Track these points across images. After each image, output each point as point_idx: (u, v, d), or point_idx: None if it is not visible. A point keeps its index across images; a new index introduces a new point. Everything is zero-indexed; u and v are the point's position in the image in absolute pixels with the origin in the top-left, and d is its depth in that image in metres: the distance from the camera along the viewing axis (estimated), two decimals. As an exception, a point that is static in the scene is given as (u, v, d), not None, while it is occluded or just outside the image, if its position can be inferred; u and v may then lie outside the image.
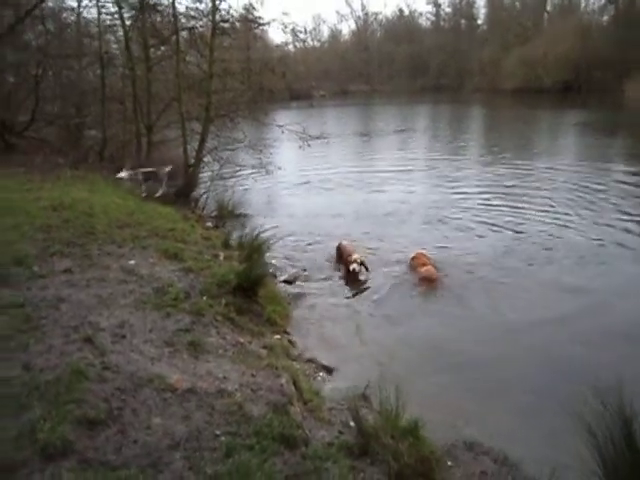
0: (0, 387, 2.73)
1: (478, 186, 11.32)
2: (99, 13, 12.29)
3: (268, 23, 10.39)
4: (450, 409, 3.72)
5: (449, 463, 3.07)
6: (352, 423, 3.42)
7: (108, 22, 12.59)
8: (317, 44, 63.40)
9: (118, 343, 3.47)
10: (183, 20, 10.27)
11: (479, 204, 9.66)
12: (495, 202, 9.75)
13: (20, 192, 7.62)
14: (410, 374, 4.12)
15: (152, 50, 11.48)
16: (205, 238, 7.12)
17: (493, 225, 8.31)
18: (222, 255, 6.31)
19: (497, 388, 4.03)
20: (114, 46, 14.16)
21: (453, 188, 11.17)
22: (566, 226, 8.09)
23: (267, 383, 3.34)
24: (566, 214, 8.72)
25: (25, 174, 9.27)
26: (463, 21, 58.44)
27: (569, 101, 32.77)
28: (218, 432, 2.69)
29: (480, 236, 7.84)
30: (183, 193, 9.83)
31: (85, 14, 13.48)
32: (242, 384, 3.26)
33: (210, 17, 9.65)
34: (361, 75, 58.16)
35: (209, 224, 8.42)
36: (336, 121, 28.85)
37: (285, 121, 11.49)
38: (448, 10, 58.88)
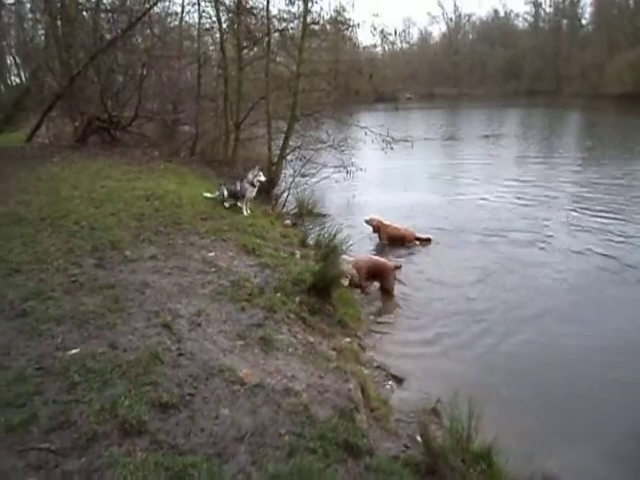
0: (89, 361, 2.93)
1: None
2: (199, 17, 13.05)
3: (358, 25, 10.36)
4: (528, 436, 3.43)
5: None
6: (419, 438, 3.29)
7: (207, 26, 13.32)
8: (406, 46, 62.55)
9: (194, 331, 3.59)
10: (275, 22, 10.54)
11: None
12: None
13: (120, 181, 8.25)
14: (485, 393, 3.85)
15: (244, 51, 11.94)
16: (283, 235, 7.23)
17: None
18: (299, 253, 6.36)
19: (585, 419, 3.66)
20: (210, 48, 14.98)
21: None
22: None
23: (335, 386, 3.28)
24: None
25: (126, 165, 10.02)
26: (565, 21, 54.68)
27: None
28: (283, 431, 2.68)
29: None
30: (264, 189, 10.08)
31: (187, 18, 14.39)
32: (309, 385, 3.23)
33: (301, 19, 9.80)
34: (449, 78, 56.45)
35: (288, 222, 8.55)
36: (421, 124, 28.19)
37: (369, 123, 11.41)
38: (549, 10, 55.43)
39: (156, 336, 3.37)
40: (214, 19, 12.10)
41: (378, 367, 4.23)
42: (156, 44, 14.12)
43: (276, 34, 10.84)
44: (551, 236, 7.90)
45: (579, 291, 5.86)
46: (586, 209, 9.44)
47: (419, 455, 2.92)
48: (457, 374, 4.22)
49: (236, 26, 11.56)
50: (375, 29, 10.57)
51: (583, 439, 3.54)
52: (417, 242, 7.86)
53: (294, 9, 10.29)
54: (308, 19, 9.77)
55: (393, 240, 7.88)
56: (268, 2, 10.29)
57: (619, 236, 7.75)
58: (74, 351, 3.06)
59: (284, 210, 9.54)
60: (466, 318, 5.21)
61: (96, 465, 2.22)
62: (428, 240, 7.87)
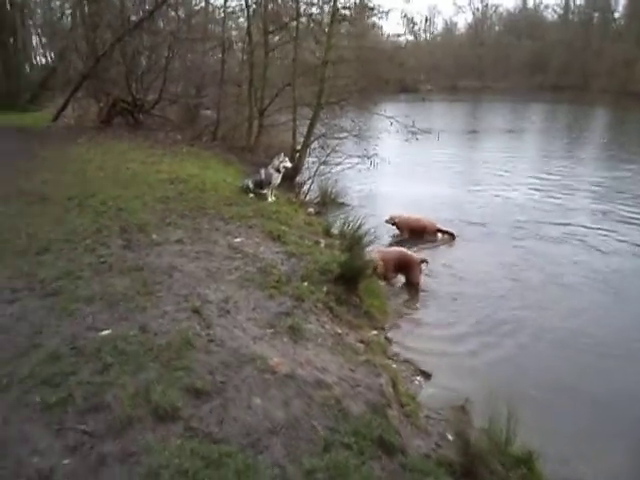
0: (120, 343, 2.90)
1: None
2: (225, 1, 12.92)
3: (388, 12, 10.12)
4: (562, 440, 3.32)
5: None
6: (450, 436, 3.21)
7: (232, 9, 13.20)
8: (430, 37, 61.43)
9: (223, 317, 3.55)
10: (304, 6, 10.36)
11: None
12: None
13: (144, 164, 8.24)
14: (514, 393, 3.74)
15: (271, 36, 11.78)
16: (307, 223, 7.14)
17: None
18: (323, 242, 6.27)
19: (619, 424, 3.54)
20: (234, 32, 14.85)
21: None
22: None
23: (366, 381, 3.21)
24: None
25: (149, 148, 10.02)
26: (596, 14, 53.09)
27: None
28: (316, 424, 2.62)
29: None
30: (288, 177, 9.99)
31: (212, 1, 14.24)
32: (341, 378, 3.16)
33: (331, 3, 9.61)
34: (473, 70, 55.34)
35: (311, 210, 8.46)
36: (444, 117, 27.72)
37: (393, 113, 11.20)
38: (580, 2, 53.84)
39: (186, 321, 3.33)
40: (241, 2, 11.99)
41: (406, 361, 4.14)
42: (181, 27, 14.07)
43: (304, 19, 10.66)
44: (581, 233, 7.70)
45: (612, 291, 5.69)
46: (614, 206, 9.21)
47: (453, 455, 2.84)
48: (485, 373, 4.11)
49: (263, 9, 11.42)
50: (405, 17, 10.26)
51: (619, 444, 3.42)
52: (439, 234, 7.70)
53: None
54: (338, 3, 9.57)
55: (414, 232, 7.67)
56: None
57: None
58: (105, 332, 3.04)
59: (307, 198, 9.45)
60: (493, 316, 5.07)
61: (131, 450, 2.19)
62: (452, 235, 7.64)
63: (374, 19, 11.90)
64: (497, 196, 10.17)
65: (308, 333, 3.71)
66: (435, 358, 4.29)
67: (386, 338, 4.51)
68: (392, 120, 10.29)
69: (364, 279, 4.95)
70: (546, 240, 7.41)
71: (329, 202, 9.11)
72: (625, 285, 5.85)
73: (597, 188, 10.77)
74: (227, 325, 3.44)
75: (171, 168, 8.19)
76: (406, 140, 10.74)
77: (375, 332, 4.49)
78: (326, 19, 10.03)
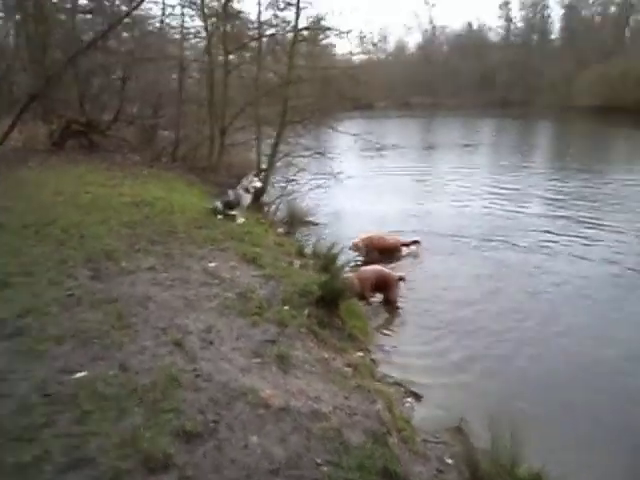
0: (99, 386, 2.66)
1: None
2: (182, 21, 12.77)
3: (349, 31, 10.26)
4: (565, 456, 3.30)
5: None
6: (449, 460, 3.14)
7: (191, 29, 13.04)
8: (382, 56, 63.16)
9: (207, 349, 3.35)
10: (265, 27, 10.36)
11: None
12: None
13: (105, 187, 7.88)
14: (504, 409, 3.73)
15: (231, 56, 11.69)
16: (278, 244, 7.01)
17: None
18: (297, 263, 6.16)
19: (615, 439, 3.57)
20: (189, 52, 14.63)
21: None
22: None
23: (362, 408, 3.10)
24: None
25: (108, 170, 9.62)
26: (535, 36, 56.47)
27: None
28: (319, 460, 2.48)
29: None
30: (255, 196, 9.85)
31: (168, 20, 14.02)
32: (336, 406, 3.03)
33: (293, 24, 9.66)
34: (425, 88, 57.28)
35: (280, 230, 8.34)
36: (401, 133, 28.39)
37: (353, 130, 11.31)
38: (520, 25, 57.10)
39: (168, 356, 3.12)
40: (199, 22, 11.87)
41: (395, 384, 4.06)
42: (137, 47, 13.75)
43: (265, 39, 10.66)
44: (547, 240, 7.96)
45: (588, 298, 5.84)
46: (575, 212, 9.66)
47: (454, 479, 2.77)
48: (475, 389, 4.10)
49: (222, 29, 11.34)
50: (364, 36, 10.46)
51: (620, 452, 3.44)
52: (405, 248, 7.73)
53: (284, 14, 10.14)
54: (299, 24, 9.63)
55: (382, 251, 7.65)
56: (260, 7, 10.10)
57: (611, 240, 7.88)
58: (81, 374, 2.78)
59: (275, 218, 9.32)
60: (474, 330, 5.10)
61: (123, 509, 1.97)
62: (416, 242, 7.70)
63: (332, 38, 12.06)
64: (463, 207, 10.42)
65: (295, 360, 3.56)
66: (423, 377, 4.23)
67: (372, 360, 4.42)
68: (357, 138, 10.38)
69: (344, 300, 4.86)
70: (516, 250, 7.60)
71: (297, 221, 9.01)
72: (599, 290, 6.04)
73: (558, 196, 11.27)
74: (212, 357, 3.25)
75: (134, 191, 7.87)
76: (371, 157, 10.88)
77: (360, 354, 4.39)
78: (288, 39, 10.04)
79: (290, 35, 10.02)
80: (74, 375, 2.77)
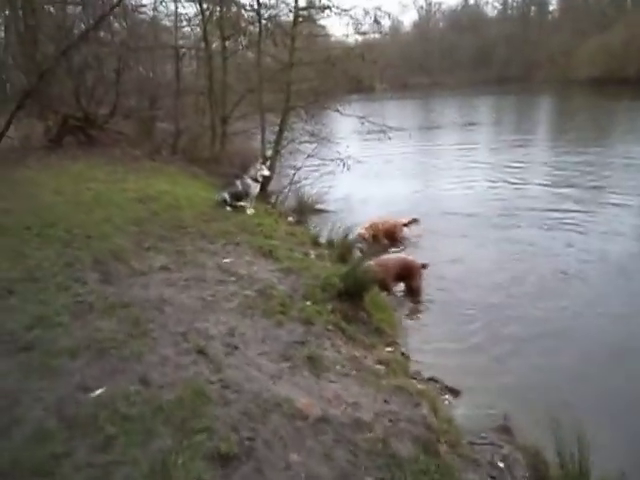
0: (121, 404, 2.41)
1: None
2: (176, 7, 12.33)
3: (351, 9, 9.80)
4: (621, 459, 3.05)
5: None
6: (501, 464, 2.90)
7: (185, 15, 12.61)
8: (377, 36, 62.04)
9: (232, 355, 3.10)
10: (264, 10, 9.93)
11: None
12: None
13: (107, 183, 7.59)
14: (550, 403, 3.49)
15: (228, 42, 11.26)
16: (290, 234, 6.73)
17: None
18: (313, 253, 5.89)
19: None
20: (187, 40, 14.18)
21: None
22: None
23: (405, 412, 2.85)
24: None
25: (108, 165, 9.31)
26: (533, 8, 55.31)
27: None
28: (369, 479, 2.23)
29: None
30: (261, 186, 9.53)
31: (162, 8, 13.58)
32: (377, 413, 2.79)
33: (293, 4, 9.24)
34: (421, 68, 56.32)
35: (291, 219, 8.05)
36: (403, 114, 27.86)
37: (355, 113, 10.94)
38: (517, -3, 55.91)
39: (192, 365, 2.86)
40: (195, 8, 11.44)
41: (430, 379, 3.81)
42: (131, 36, 13.31)
43: (264, 22, 10.21)
44: (568, 217, 7.68)
45: (631, 277, 5.54)
46: (597, 191, 9.32)
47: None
48: (515, 382, 3.85)
49: (218, 12, 10.90)
50: (367, 13, 9.95)
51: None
52: (405, 229, 7.43)
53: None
54: (300, 3, 9.21)
55: (388, 235, 7.35)
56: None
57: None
58: (99, 391, 2.53)
59: (284, 207, 9.02)
60: (508, 317, 4.84)
61: None
62: (415, 220, 7.42)
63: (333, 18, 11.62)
64: (473, 187, 10.15)
65: (327, 361, 3.32)
66: (458, 371, 3.99)
67: (402, 354, 4.17)
68: (363, 120, 10.02)
69: (369, 292, 4.60)
70: (538, 228, 7.33)
71: (306, 210, 8.72)
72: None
73: (570, 172, 10.92)
74: (239, 364, 2.99)
75: (137, 186, 7.57)
76: (374, 140, 10.55)
77: (390, 349, 4.14)
78: (288, 21, 9.62)
79: (290, 17, 9.58)
80: (92, 393, 2.52)
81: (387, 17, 9.81)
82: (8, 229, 5.38)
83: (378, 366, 3.67)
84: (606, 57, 37.94)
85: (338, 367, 3.34)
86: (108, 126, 12.96)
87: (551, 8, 54.38)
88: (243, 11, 10.13)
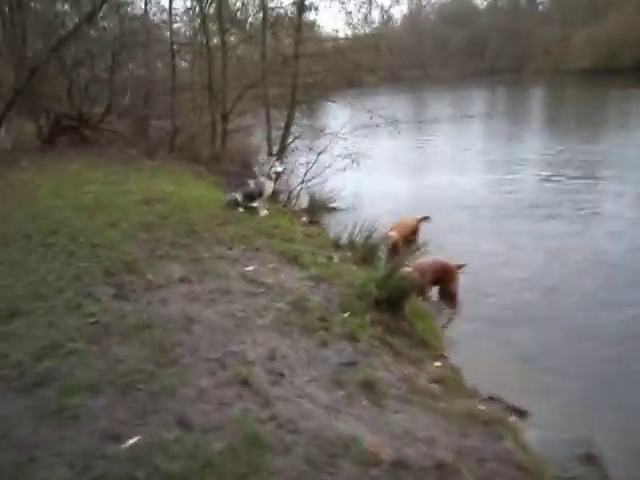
0: (160, 459, 1.97)
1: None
2: (170, 2, 11.79)
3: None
4: None
5: None
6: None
7: (182, 8, 12.10)
8: (368, 30, 61.53)
9: (278, 384, 2.67)
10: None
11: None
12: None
13: (107, 185, 7.10)
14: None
15: (227, 35, 10.76)
16: (308, 235, 6.29)
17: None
18: (336, 257, 5.46)
19: None
20: (176, 38, 13.62)
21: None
22: None
23: (489, 448, 2.44)
24: None
25: (107, 166, 8.81)
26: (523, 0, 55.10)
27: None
28: None
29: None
30: (272, 184, 9.09)
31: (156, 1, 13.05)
32: (458, 450, 2.37)
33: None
34: (413, 60, 55.86)
35: (304, 219, 7.61)
36: (401, 107, 27.42)
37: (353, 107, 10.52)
38: (507, -12, 55.59)
39: (237, 400, 2.43)
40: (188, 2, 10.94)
41: (491, 398, 3.40)
42: (125, 32, 12.76)
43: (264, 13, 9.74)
44: (597, 207, 7.37)
45: None
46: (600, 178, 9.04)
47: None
48: (584, 402, 3.45)
49: (217, 7, 10.40)
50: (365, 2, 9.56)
51: None
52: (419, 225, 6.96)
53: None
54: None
55: (409, 235, 6.91)
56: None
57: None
58: (132, 441, 2.09)
59: (296, 206, 8.58)
60: (558, 318, 4.46)
61: None
62: (426, 218, 6.98)
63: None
64: (486, 179, 9.92)
65: (382, 385, 2.90)
66: (518, 387, 3.59)
67: (452, 369, 3.76)
68: (371, 114, 9.58)
69: (409, 299, 4.19)
70: (568, 219, 7.04)
71: (319, 208, 8.28)
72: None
73: (579, 161, 10.64)
74: (288, 396, 2.56)
75: (140, 187, 7.10)
76: (376, 134, 10.20)
77: (438, 363, 3.73)
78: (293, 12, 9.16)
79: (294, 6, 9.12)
80: (124, 444, 2.07)
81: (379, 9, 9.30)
82: (6, 238, 4.92)
83: (433, 385, 3.27)
84: (596, 48, 37.73)
85: (394, 390, 2.93)
86: (102, 125, 12.45)
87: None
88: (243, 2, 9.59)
